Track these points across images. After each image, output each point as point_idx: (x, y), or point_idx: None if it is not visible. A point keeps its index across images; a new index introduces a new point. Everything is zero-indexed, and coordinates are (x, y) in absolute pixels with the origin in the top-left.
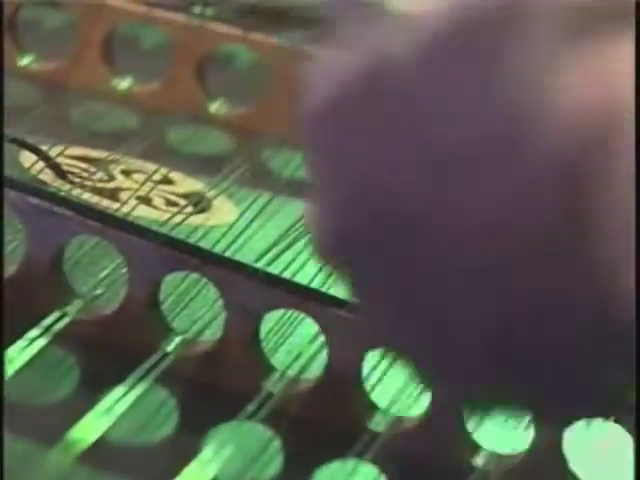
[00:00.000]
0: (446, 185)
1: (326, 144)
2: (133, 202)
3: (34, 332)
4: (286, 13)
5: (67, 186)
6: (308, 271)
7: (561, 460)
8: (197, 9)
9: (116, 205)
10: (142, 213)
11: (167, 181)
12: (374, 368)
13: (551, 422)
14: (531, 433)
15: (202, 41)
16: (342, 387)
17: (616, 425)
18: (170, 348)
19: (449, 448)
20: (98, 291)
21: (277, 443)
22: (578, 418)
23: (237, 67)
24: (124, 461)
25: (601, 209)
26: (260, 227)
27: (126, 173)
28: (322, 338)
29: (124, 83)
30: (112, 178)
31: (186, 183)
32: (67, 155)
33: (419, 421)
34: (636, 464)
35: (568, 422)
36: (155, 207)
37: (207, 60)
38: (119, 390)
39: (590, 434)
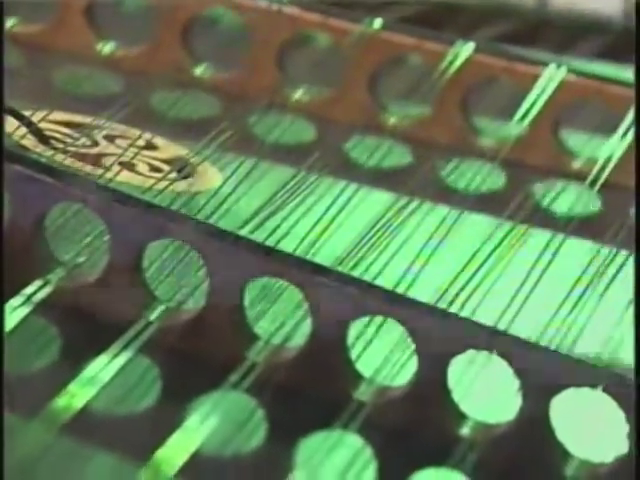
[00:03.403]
0: None
1: None
2: (116, 168)
3: (15, 301)
4: None
5: (50, 152)
6: (293, 238)
7: (548, 430)
8: None
9: (99, 171)
10: (125, 179)
11: (151, 146)
12: (359, 337)
13: None
14: (518, 403)
15: (187, 4)
16: (327, 356)
17: (604, 395)
18: (153, 317)
19: (435, 418)
20: (80, 259)
21: (261, 413)
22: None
23: (222, 30)
24: (106, 431)
25: None
26: (245, 193)
27: (109, 138)
28: (306, 306)
29: (108, 47)
30: (95, 143)
31: (170, 148)
32: (50, 120)
33: (405, 390)
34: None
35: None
36: (139, 173)
37: (192, 23)
38: (102, 360)
39: (578, 404)
